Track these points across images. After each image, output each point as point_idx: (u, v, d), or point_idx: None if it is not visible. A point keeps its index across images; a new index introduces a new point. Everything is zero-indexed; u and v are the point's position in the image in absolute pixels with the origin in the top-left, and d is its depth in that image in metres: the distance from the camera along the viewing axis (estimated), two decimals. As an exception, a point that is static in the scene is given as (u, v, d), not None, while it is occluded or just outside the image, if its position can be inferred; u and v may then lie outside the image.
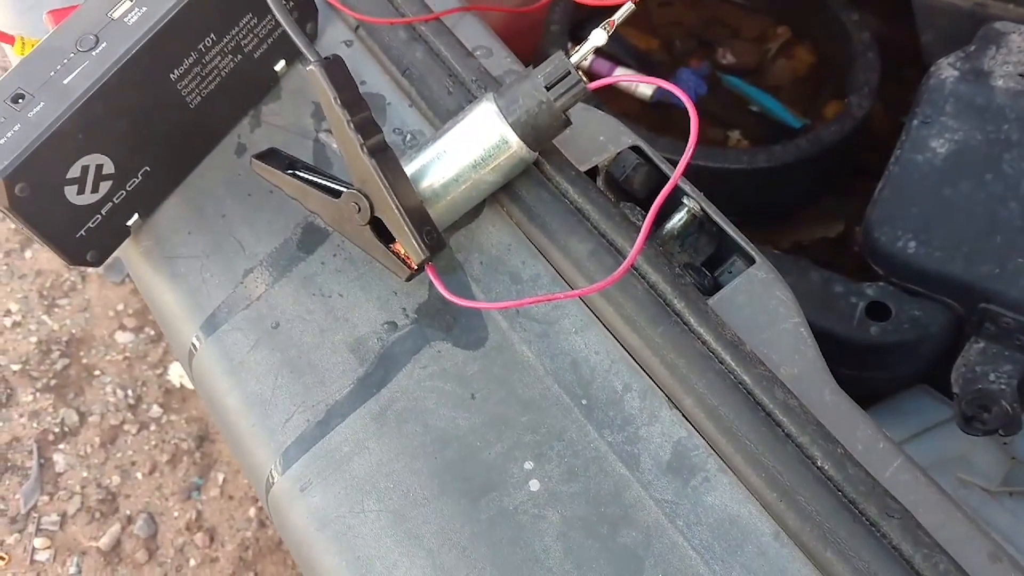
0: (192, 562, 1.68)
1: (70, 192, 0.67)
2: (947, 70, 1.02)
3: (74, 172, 0.66)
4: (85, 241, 0.70)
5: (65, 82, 0.66)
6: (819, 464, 0.59)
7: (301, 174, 0.70)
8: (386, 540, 0.62)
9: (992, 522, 0.99)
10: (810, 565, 0.59)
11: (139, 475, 1.76)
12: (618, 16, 0.63)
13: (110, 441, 1.80)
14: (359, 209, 0.65)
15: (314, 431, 0.65)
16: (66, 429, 1.80)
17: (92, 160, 0.67)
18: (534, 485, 0.63)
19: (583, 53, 0.64)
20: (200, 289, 0.72)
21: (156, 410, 1.84)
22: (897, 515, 0.57)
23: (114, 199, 0.71)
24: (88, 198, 0.68)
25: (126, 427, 1.82)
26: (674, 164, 0.73)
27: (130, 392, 1.86)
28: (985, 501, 1.02)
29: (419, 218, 0.65)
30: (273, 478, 0.65)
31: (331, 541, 0.63)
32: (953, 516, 0.58)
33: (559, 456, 0.64)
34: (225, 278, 0.72)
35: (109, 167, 0.69)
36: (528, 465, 0.64)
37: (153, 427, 1.82)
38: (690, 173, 0.70)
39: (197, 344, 0.71)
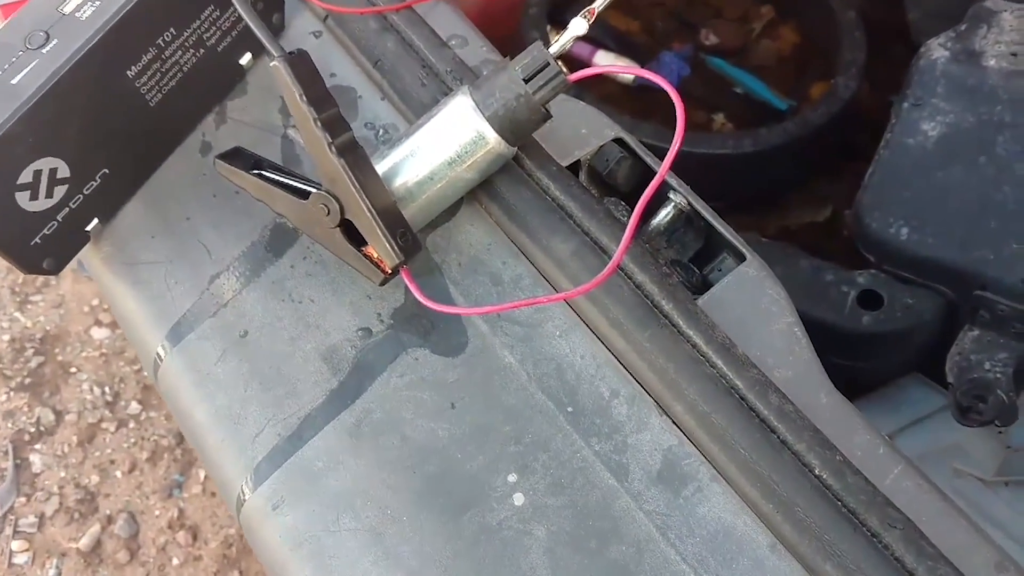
0: (175, 561, 1.65)
1: (22, 198, 0.63)
2: (937, 51, 0.99)
3: (25, 177, 0.62)
4: (40, 249, 0.66)
5: (13, 82, 0.62)
6: (817, 472, 0.57)
7: (267, 174, 0.66)
8: (363, 560, 0.59)
9: (989, 513, 0.97)
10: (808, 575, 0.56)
11: (118, 474, 1.73)
12: (598, 5, 0.60)
13: (88, 440, 1.76)
14: (328, 211, 0.61)
15: (286, 446, 0.62)
16: (42, 428, 1.76)
17: (45, 164, 0.63)
18: (518, 499, 0.60)
19: (562, 43, 0.61)
20: (164, 296, 0.69)
21: (135, 407, 1.80)
22: (899, 525, 0.55)
23: (70, 204, 0.67)
24: (42, 204, 0.65)
25: (104, 425, 1.78)
26: (659, 152, 0.69)
27: (107, 389, 1.82)
28: (981, 491, 1.00)
29: (392, 219, 0.61)
30: (244, 495, 0.62)
31: (305, 561, 0.60)
32: (957, 524, 0.55)
33: (544, 467, 0.61)
34: (190, 284, 0.69)
35: (64, 171, 0.65)
36: (512, 478, 0.61)
37: (132, 424, 1.78)
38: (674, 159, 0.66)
39: (162, 354, 0.68)
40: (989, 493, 0.98)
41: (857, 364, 1.00)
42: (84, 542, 1.64)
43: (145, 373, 1.82)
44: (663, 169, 0.59)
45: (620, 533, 0.59)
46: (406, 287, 0.64)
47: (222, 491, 0.66)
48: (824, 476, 0.56)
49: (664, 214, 0.70)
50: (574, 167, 0.72)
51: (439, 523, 0.60)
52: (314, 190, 0.63)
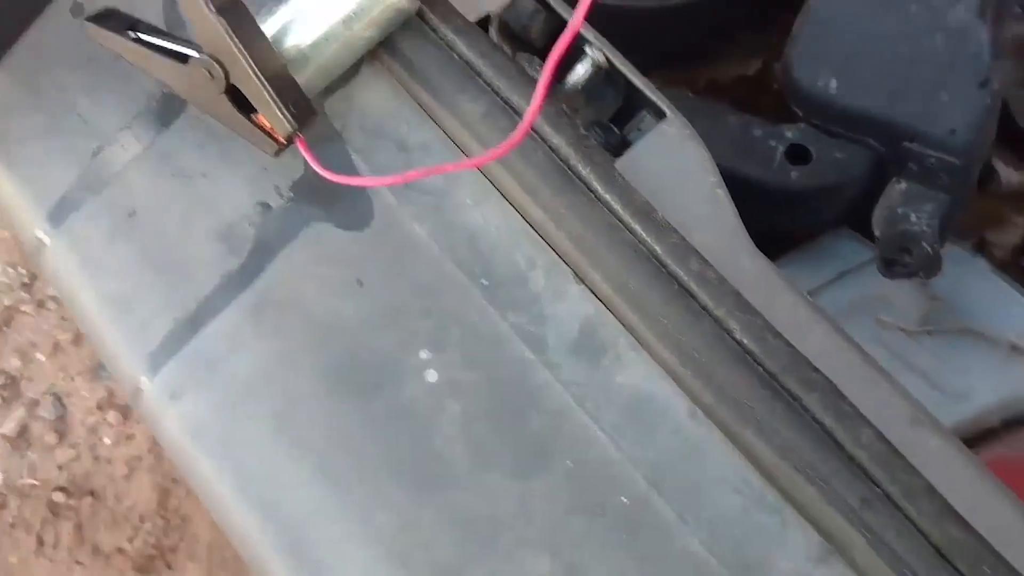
0: (107, 440, 1.63)
1: None
2: None
3: None
4: None
5: None
6: (737, 337, 0.55)
7: (144, 37, 0.60)
8: (270, 447, 0.57)
9: (912, 362, 0.98)
10: (728, 443, 0.55)
11: (41, 357, 1.68)
12: None
13: (5, 323, 1.70)
14: (212, 77, 0.56)
15: (182, 332, 0.59)
16: (-45, 315, 1.70)
17: None
18: (431, 376, 0.58)
19: None
20: (41, 176, 0.63)
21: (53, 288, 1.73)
22: (819, 387, 0.54)
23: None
24: None
25: (23, 308, 1.72)
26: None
27: (22, 270, 1.74)
28: (905, 342, 1.01)
29: (283, 84, 0.56)
30: (141, 385, 0.59)
31: (210, 452, 0.57)
32: (876, 382, 0.55)
33: (458, 342, 0.58)
34: (69, 162, 0.63)
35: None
36: (424, 355, 0.58)
37: (52, 306, 1.72)
38: (594, 16, 0.61)
39: (44, 239, 0.63)
40: (912, 343, 0.99)
41: (786, 220, 0.99)
42: (9, 427, 1.61)
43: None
44: (575, 20, 0.54)
45: (537, 405, 0.57)
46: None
47: (120, 382, 0.62)
48: (744, 341, 0.55)
49: (581, 71, 0.66)
50: (483, 23, 0.67)
51: (348, 405, 0.57)
52: (195, 54, 0.57)
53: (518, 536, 0.55)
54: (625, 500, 0.55)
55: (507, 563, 0.55)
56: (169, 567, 1.61)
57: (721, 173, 0.65)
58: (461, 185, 0.61)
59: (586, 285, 0.58)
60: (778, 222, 0.97)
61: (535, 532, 0.55)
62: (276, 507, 0.57)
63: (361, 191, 0.62)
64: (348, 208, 0.61)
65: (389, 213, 0.61)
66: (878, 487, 0.52)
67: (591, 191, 0.58)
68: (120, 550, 1.61)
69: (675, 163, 0.62)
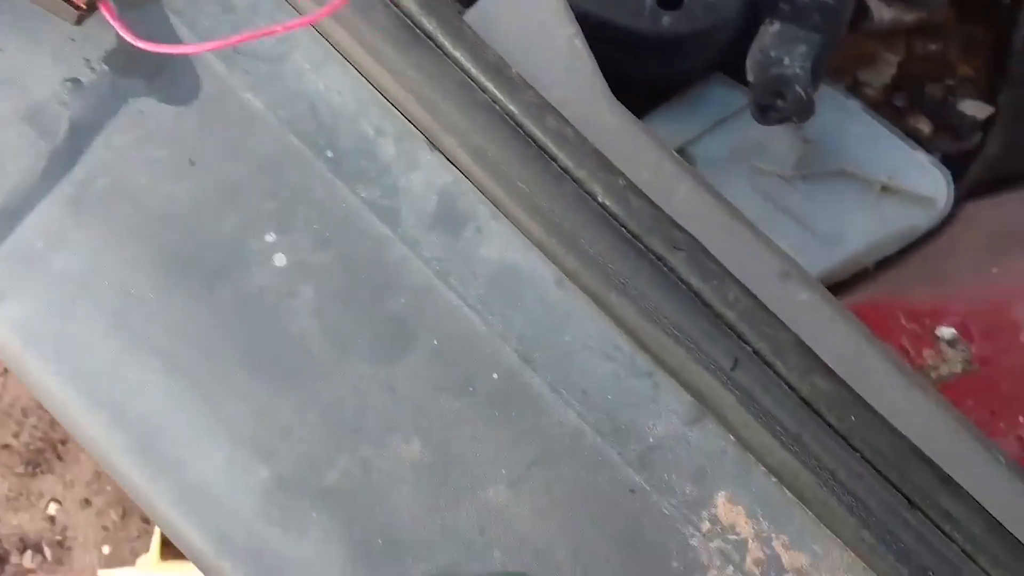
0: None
1: None
2: None
3: None
4: None
5: None
6: (600, 200, 0.52)
7: None
8: (109, 347, 0.52)
9: (786, 206, 0.98)
10: (597, 309, 0.53)
11: None
12: None
13: None
14: (-14, -70, 0.48)
15: (-7, 229, 0.53)
16: None
17: None
18: (279, 260, 0.54)
19: None
20: None
21: None
22: (684, 246, 0.52)
23: None
24: None
25: None
26: None
27: None
28: (780, 187, 1.00)
29: (73, -63, 0.48)
30: (-47, 293, 0.53)
31: (43, 356, 0.52)
32: (743, 237, 0.53)
33: (306, 222, 0.54)
34: None
35: None
36: (270, 237, 0.54)
37: None
38: None
39: None
40: (787, 188, 0.98)
41: (659, 69, 0.95)
42: None
43: None
44: None
45: (396, 284, 0.54)
46: (115, 23, 0.53)
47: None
48: (607, 203, 0.52)
49: (425, -88, 0.59)
50: None
51: (191, 297, 0.53)
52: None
53: (386, 420, 0.53)
54: (495, 375, 0.53)
55: (376, 448, 0.52)
56: (60, 459, 1.57)
57: (590, 22, 0.60)
58: (297, 48, 0.56)
59: (440, 152, 0.54)
60: (651, 71, 0.94)
61: (403, 415, 0.53)
62: (122, 409, 0.53)
63: (185, 60, 0.55)
64: (172, 81, 0.55)
65: (219, 84, 0.55)
66: (747, 345, 0.51)
67: (438, 47, 0.53)
68: (6, 446, 1.55)
69: (529, 13, 0.57)
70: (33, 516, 1.53)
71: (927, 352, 0.69)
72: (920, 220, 0.88)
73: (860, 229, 0.89)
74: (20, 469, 1.55)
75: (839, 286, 0.92)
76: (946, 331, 0.70)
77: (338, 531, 0.52)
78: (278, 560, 0.52)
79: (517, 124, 0.53)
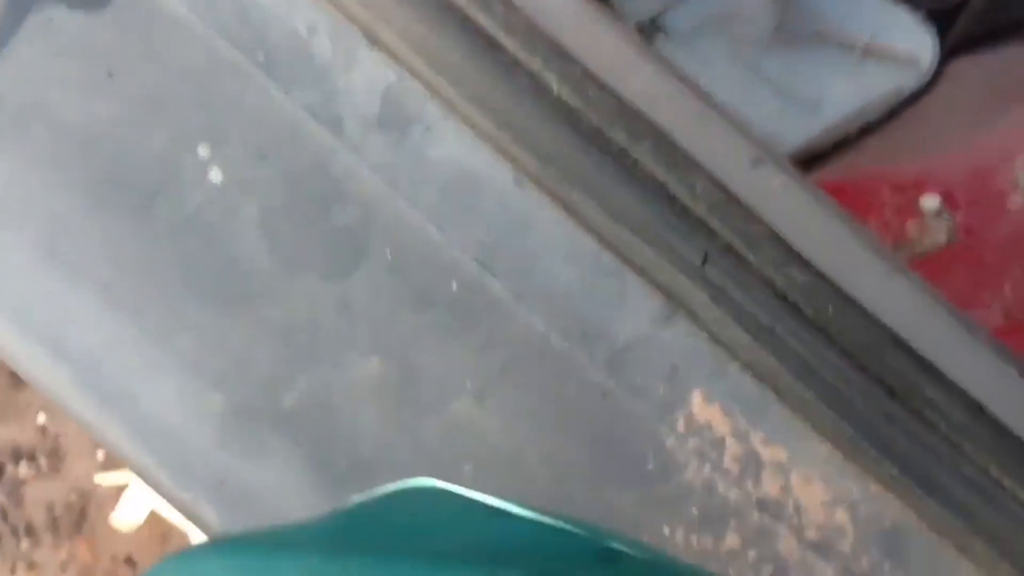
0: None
1: None
2: None
3: None
4: None
5: None
6: (556, 92, 0.48)
7: None
8: (40, 281, 0.49)
9: (766, 75, 0.93)
10: (559, 210, 0.50)
11: None
12: None
13: None
14: None
15: (-101, 162, 0.49)
16: None
17: None
18: (216, 175, 0.50)
19: None
20: None
21: None
22: (649, 137, 0.48)
23: None
24: None
25: None
26: None
27: None
28: (759, 55, 0.95)
29: None
30: None
31: (-27, 294, 0.49)
32: (711, 122, 0.49)
33: (241, 133, 0.50)
34: None
35: None
36: (204, 152, 0.50)
37: None
38: None
39: None
40: (765, 55, 0.93)
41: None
42: None
43: None
44: None
45: (344, 195, 0.50)
46: (6, -79, 0.47)
47: None
48: (563, 95, 0.48)
49: None
50: None
51: (125, 221, 0.49)
52: None
53: (341, 340, 0.50)
54: (455, 285, 0.50)
55: (334, 368, 0.50)
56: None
57: None
58: (215, -62, 0.50)
59: (380, 48, 0.50)
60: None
61: (360, 333, 0.50)
62: (63, 344, 0.50)
63: (92, -42, 0.50)
64: (79, -18, 0.50)
65: (132, -17, 0.50)
66: (717, 238, 0.48)
67: (368, -70, 0.48)
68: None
69: None
70: (23, 427, 1.53)
71: (910, 224, 0.67)
72: (904, 82, 0.84)
73: (842, 95, 0.85)
74: (3, 381, 1.54)
75: (821, 156, 0.89)
76: (930, 201, 0.67)
77: (300, 455, 0.50)
78: (241, 488, 0.50)
79: (462, 13, 0.48)
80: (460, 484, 0.47)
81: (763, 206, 0.48)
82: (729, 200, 0.48)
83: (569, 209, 0.49)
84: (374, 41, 0.50)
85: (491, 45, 0.48)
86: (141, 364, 0.50)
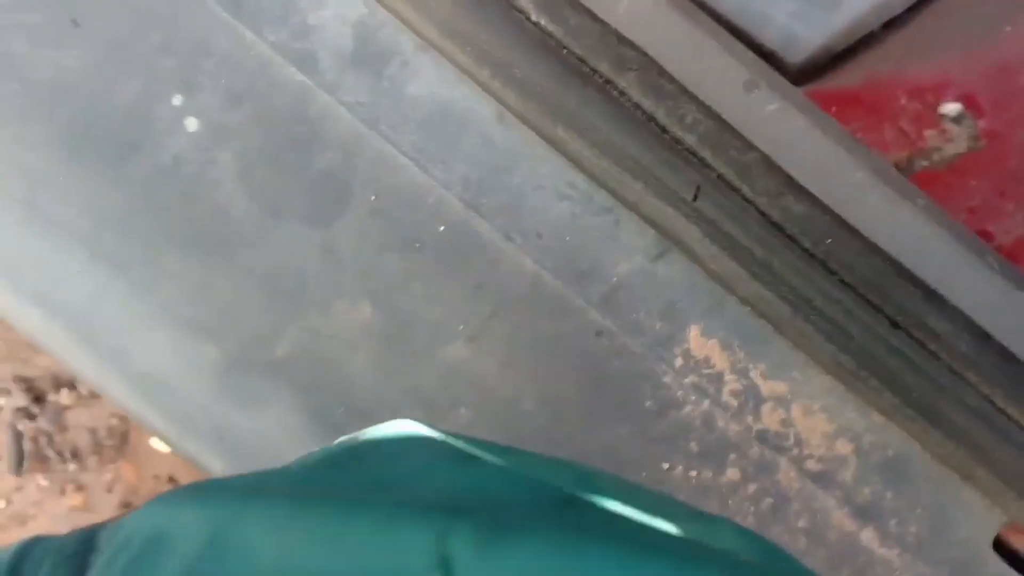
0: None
1: None
2: None
3: None
4: None
5: None
6: (533, 19, 0.46)
7: None
8: (26, 236, 0.49)
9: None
10: (545, 145, 0.48)
11: None
12: None
13: None
14: None
15: None
16: None
17: None
18: (191, 124, 0.48)
19: None
20: None
21: None
22: (634, 65, 0.45)
23: None
24: None
25: None
26: None
27: None
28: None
29: None
30: None
31: (-41, 256, 0.49)
32: (703, 45, 0.46)
33: (213, 78, 0.48)
34: None
35: None
36: (177, 100, 0.48)
37: None
38: None
39: None
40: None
41: None
42: None
43: None
44: None
45: (322, 137, 0.48)
46: None
47: None
48: (542, 22, 0.45)
49: None
50: None
51: (102, 174, 0.48)
52: None
53: (330, 286, 0.49)
54: (442, 227, 0.49)
55: (323, 316, 0.50)
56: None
57: None
58: None
59: (350, -21, 0.47)
60: None
61: (348, 279, 0.49)
62: (53, 299, 0.50)
63: (45, -101, 0.48)
64: (35, -75, 0.48)
65: (89, -77, 0.48)
66: (710, 170, 0.46)
67: None
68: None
69: None
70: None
71: (929, 133, 0.63)
72: (929, -29, 0.78)
73: (861, -11, 0.79)
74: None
75: (844, 54, 0.84)
76: (951, 107, 0.63)
77: (296, 402, 0.50)
78: (241, 435, 0.51)
79: (430, -62, 0.45)
80: (456, 428, 0.47)
81: (757, 133, 0.46)
82: (721, 129, 0.45)
83: (555, 145, 0.47)
84: (343, -27, 0.47)
85: (464, -27, 0.45)
86: (132, 320, 0.50)
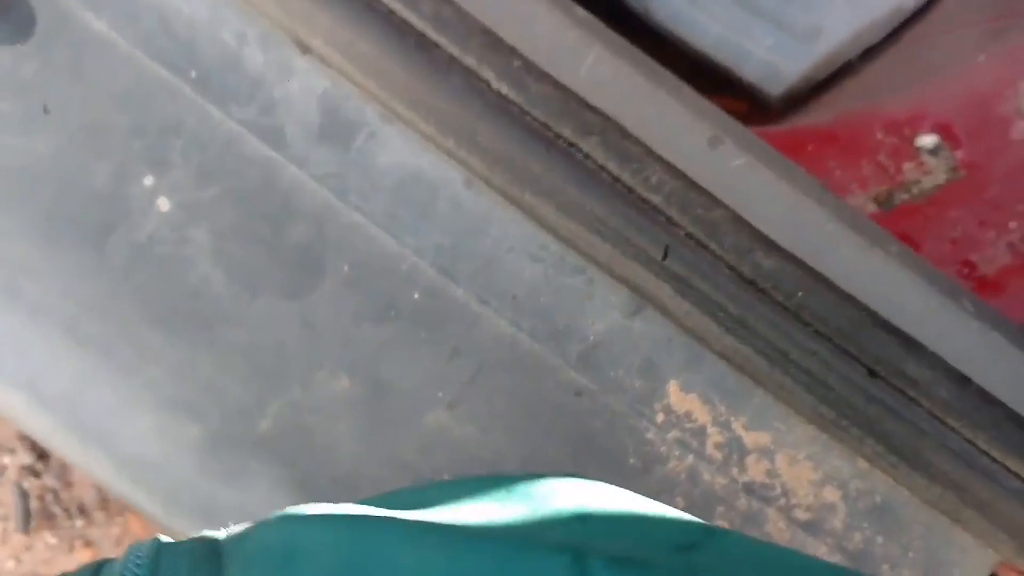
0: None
1: None
2: None
3: None
4: None
5: None
6: (494, 87, 0.46)
7: None
8: (6, 325, 0.49)
9: (759, 8, 0.88)
10: (514, 209, 0.48)
11: None
12: None
13: None
14: None
15: None
16: None
17: None
18: (164, 204, 0.49)
19: None
20: None
21: None
22: (597, 129, 0.46)
23: None
24: None
25: None
26: None
27: None
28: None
29: None
30: None
31: (-60, 345, 0.49)
32: (664, 104, 0.46)
33: (184, 156, 0.49)
34: None
35: None
36: (148, 181, 0.49)
37: None
38: None
39: None
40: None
41: None
42: None
43: None
44: None
45: (294, 210, 0.49)
46: (-84, -36, 0.46)
47: None
48: (503, 90, 0.46)
49: None
50: None
51: (80, 258, 0.49)
52: None
53: (309, 358, 0.50)
54: (416, 295, 0.49)
55: (304, 388, 0.50)
56: None
57: None
58: (132, -45, 0.48)
59: (312, 55, 0.48)
60: None
61: (326, 350, 0.50)
62: (37, 385, 0.50)
63: (11, -10, 0.48)
64: (2, 18, 0.48)
65: (54, 10, 0.48)
66: (678, 229, 0.46)
67: (284, -65, 0.46)
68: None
69: None
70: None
71: (907, 166, 0.63)
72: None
73: (838, 20, 0.80)
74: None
75: (824, 83, 0.84)
76: (927, 139, 0.63)
77: (280, 475, 0.50)
78: (228, 510, 0.51)
79: (389, 11, 0.46)
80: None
81: (724, 189, 0.46)
82: (687, 187, 0.45)
83: (524, 208, 0.48)
84: (305, 47, 0.48)
85: (421, 43, 0.46)
86: (116, 402, 0.50)
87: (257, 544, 0.31)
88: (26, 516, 1.24)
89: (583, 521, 0.34)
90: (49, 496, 1.26)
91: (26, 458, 1.25)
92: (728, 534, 0.35)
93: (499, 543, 0.30)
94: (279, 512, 0.33)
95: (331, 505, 0.33)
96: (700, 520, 0.36)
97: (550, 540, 0.31)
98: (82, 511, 1.26)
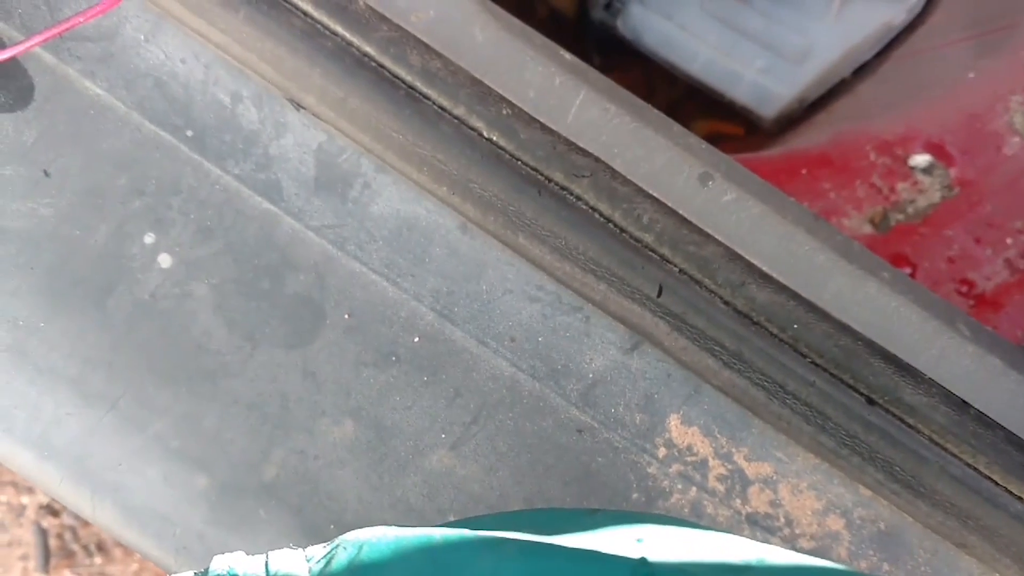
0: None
1: None
2: None
3: None
4: None
5: None
6: (485, 136, 0.47)
7: None
8: (15, 383, 0.50)
9: (749, 31, 0.88)
10: (509, 252, 0.49)
11: None
12: None
13: None
14: None
15: None
16: None
17: None
18: (165, 260, 0.50)
19: None
20: None
21: None
22: (587, 172, 0.46)
23: None
24: None
25: None
26: None
27: None
28: (736, 9, 0.91)
29: None
30: None
31: (-48, 407, 0.50)
32: (652, 143, 0.47)
33: (183, 214, 0.50)
34: None
35: None
36: (149, 239, 0.50)
37: None
38: None
39: None
40: (745, 10, 0.89)
41: None
42: None
43: None
44: None
45: (293, 262, 0.50)
46: (-84, 37, 0.47)
47: None
48: (494, 138, 0.46)
49: None
50: None
51: (84, 316, 0.50)
52: None
53: (312, 406, 0.50)
54: (416, 339, 0.50)
55: (309, 436, 0.50)
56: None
57: None
58: (126, 20, 0.49)
59: (306, 109, 0.49)
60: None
61: (329, 398, 0.50)
62: (46, 442, 0.51)
63: (12, 62, 0.49)
64: (2, 86, 0.49)
65: (53, 77, 0.49)
66: (671, 265, 0.47)
67: (272, -5, 0.47)
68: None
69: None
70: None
71: (901, 186, 0.63)
72: (893, 16, 0.79)
73: (828, 42, 0.81)
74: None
75: (817, 103, 0.85)
76: (920, 158, 0.64)
77: (288, 523, 0.51)
78: (238, 559, 0.51)
79: (378, 65, 0.47)
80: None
81: (715, 225, 0.46)
82: (678, 225, 0.46)
83: (519, 251, 0.48)
84: (298, 104, 0.49)
85: (412, 95, 0.47)
86: (123, 455, 0.51)
87: (341, 565, 0.33)
88: (46, 554, 1.25)
89: (640, 542, 0.36)
90: (68, 534, 1.27)
91: (44, 497, 1.26)
92: (776, 552, 0.36)
93: (570, 551, 0.33)
94: (364, 537, 0.34)
95: (396, 527, 0.35)
96: (750, 539, 0.37)
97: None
98: (100, 548, 1.27)
